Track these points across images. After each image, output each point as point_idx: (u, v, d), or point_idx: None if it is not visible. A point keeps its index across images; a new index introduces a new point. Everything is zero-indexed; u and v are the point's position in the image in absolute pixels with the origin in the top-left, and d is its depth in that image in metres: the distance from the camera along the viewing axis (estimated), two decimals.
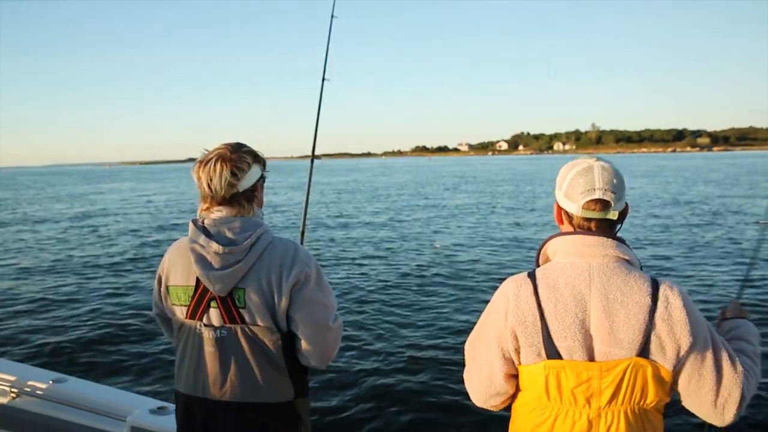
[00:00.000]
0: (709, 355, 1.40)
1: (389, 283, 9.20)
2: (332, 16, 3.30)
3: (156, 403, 2.67)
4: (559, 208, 1.56)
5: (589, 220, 1.48)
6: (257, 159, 1.72)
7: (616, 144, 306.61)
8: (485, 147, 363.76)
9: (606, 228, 1.49)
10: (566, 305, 1.41)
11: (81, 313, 7.76)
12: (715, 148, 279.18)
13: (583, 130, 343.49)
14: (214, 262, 1.63)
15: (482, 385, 1.56)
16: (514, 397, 1.58)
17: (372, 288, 8.89)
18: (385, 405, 4.79)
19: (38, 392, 2.82)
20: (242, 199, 1.69)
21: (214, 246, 1.63)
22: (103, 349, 6.29)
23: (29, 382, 2.85)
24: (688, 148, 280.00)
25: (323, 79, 3.16)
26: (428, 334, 6.47)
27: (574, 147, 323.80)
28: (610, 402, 1.39)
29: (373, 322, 7.00)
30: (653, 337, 1.38)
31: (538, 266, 1.57)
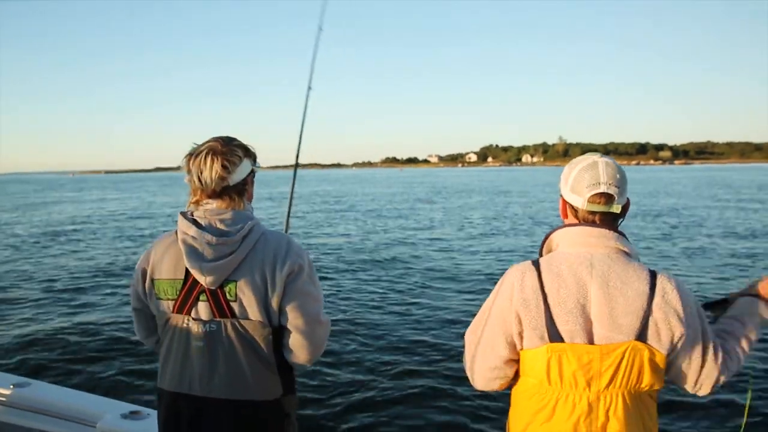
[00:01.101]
0: (699, 345, 1.51)
1: (369, 291, 9.12)
2: (319, 29, 3.37)
3: (128, 407, 2.56)
4: (565, 203, 1.62)
5: (593, 213, 1.55)
6: (248, 153, 1.71)
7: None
8: (455, 159, 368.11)
9: (609, 221, 1.56)
10: (569, 290, 1.47)
11: (45, 316, 7.48)
12: (676, 162, 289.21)
13: (550, 142, 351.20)
14: (206, 253, 1.59)
15: (484, 369, 1.60)
16: (513, 383, 1.62)
17: (350, 295, 8.80)
18: (373, 404, 4.77)
19: None
20: (233, 193, 1.67)
21: (207, 237, 1.59)
22: (68, 351, 6.03)
23: None
24: (651, 161, 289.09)
25: (309, 88, 3.20)
26: (413, 338, 6.43)
27: (542, 159, 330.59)
28: (608, 385, 1.45)
29: (353, 327, 6.92)
30: (650, 323, 1.45)
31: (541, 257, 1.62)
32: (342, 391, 5.01)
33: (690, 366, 1.52)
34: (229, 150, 1.65)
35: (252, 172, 1.74)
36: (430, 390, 4.94)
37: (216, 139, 1.67)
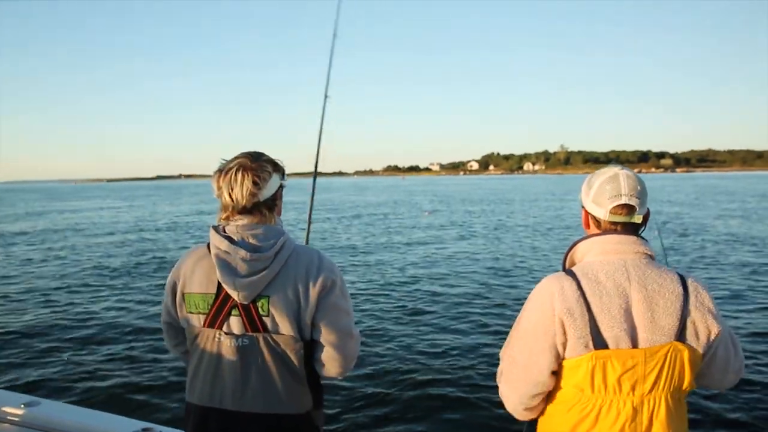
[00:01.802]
0: (729, 342, 1.59)
1: (377, 304, 9.07)
2: (334, 35, 3.39)
3: (140, 424, 2.51)
4: (587, 214, 1.67)
5: (615, 224, 1.60)
6: (277, 168, 1.73)
7: (584, 164, 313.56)
8: (456, 167, 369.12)
9: (631, 231, 1.61)
10: (610, 297, 1.50)
11: (53, 333, 7.40)
12: (678, 169, 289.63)
13: (552, 150, 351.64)
14: (239, 268, 1.60)
15: (529, 383, 1.57)
16: (547, 399, 1.61)
17: (361, 307, 8.75)
18: (392, 418, 4.77)
19: (9, 417, 2.61)
20: (263, 208, 1.69)
21: (242, 252, 1.61)
22: (77, 369, 5.97)
23: None
24: (653, 169, 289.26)
25: (325, 96, 3.20)
26: (426, 349, 6.40)
27: (543, 167, 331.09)
28: (652, 388, 1.47)
29: (366, 340, 6.88)
30: (689, 323, 1.51)
31: (564, 269, 1.64)
32: (360, 404, 5.01)
33: (722, 362, 1.58)
34: (259, 166, 1.65)
35: (281, 187, 1.75)
36: (448, 403, 4.90)
37: (245, 155, 1.68)
